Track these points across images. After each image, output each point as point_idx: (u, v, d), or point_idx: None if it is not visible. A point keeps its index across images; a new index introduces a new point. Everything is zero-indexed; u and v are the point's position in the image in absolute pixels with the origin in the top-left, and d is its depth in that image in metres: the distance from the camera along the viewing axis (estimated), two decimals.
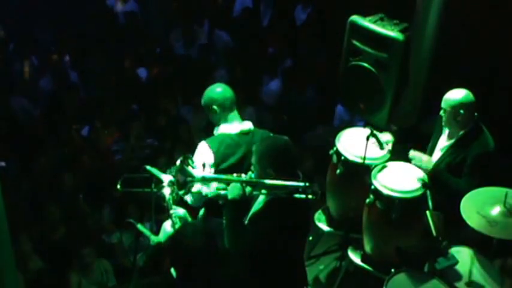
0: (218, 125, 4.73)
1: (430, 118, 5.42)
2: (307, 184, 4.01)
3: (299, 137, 7.18)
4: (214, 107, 4.68)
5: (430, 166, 5.10)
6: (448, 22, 5.87)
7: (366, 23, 5.77)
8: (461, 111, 4.99)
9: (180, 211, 4.11)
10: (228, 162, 4.54)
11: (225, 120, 4.70)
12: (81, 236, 6.34)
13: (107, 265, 6.25)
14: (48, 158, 7.12)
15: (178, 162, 4.14)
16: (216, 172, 4.46)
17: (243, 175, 4.12)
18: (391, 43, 5.59)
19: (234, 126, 4.69)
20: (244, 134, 4.67)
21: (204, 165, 4.47)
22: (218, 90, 4.73)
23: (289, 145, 4.09)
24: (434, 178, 5.04)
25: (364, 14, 5.84)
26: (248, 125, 4.73)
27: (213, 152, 4.54)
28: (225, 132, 4.67)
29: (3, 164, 7.12)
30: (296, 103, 7.98)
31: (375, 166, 5.19)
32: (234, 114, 4.73)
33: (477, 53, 6.51)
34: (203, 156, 4.54)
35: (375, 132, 5.22)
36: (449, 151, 5.14)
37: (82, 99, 8.25)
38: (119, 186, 4.70)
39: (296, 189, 4.02)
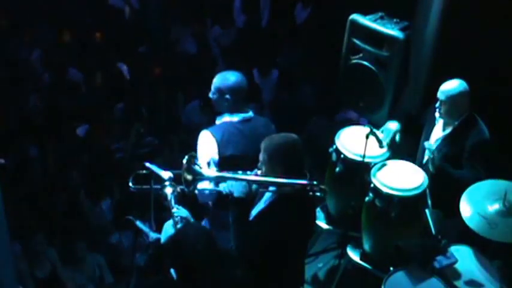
0: (223, 113, 4.64)
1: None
2: (314, 182, 4.01)
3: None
4: (227, 96, 4.57)
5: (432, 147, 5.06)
6: (449, 20, 5.87)
7: (366, 21, 5.77)
8: (463, 100, 5.00)
9: (182, 210, 4.10)
10: (232, 150, 4.48)
11: (231, 110, 4.60)
12: (81, 232, 6.36)
13: (100, 259, 6.25)
14: (50, 155, 7.13)
15: (184, 161, 4.13)
16: (220, 161, 4.42)
17: (248, 172, 4.12)
18: (391, 41, 5.59)
19: (236, 114, 4.60)
20: (246, 121, 4.62)
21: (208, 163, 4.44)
22: (234, 79, 4.59)
23: (298, 144, 4.07)
24: (439, 173, 5.03)
25: (365, 13, 5.84)
26: (249, 113, 4.66)
27: (217, 140, 4.48)
28: (227, 120, 4.61)
29: (2, 161, 7.11)
30: (294, 101, 8.00)
31: (374, 164, 5.19)
32: (241, 100, 4.62)
33: (478, 51, 6.50)
34: (206, 145, 4.50)
35: (374, 130, 5.23)
36: (446, 141, 5.13)
37: (82, 96, 8.24)
38: (130, 184, 4.67)
39: (303, 187, 4.02)
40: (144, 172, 4.59)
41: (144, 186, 4.61)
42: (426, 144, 5.12)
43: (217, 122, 4.67)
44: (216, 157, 4.49)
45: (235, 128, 4.56)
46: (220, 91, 4.59)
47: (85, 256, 6.15)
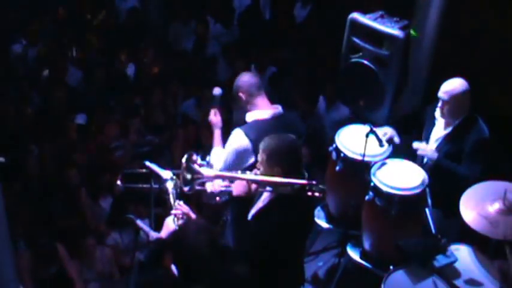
0: (249, 111, 4.65)
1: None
2: (313, 182, 4.01)
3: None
4: (240, 94, 4.64)
5: (435, 156, 5.08)
6: (449, 19, 5.87)
7: (366, 20, 5.76)
8: (465, 99, 5.00)
9: (184, 206, 4.11)
10: None
11: (256, 106, 4.64)
12: (83, 229, 6.36)
13: (110, 253, 6.26)
14: (48, 153, 7.13)
15: (183, 160, 4.14)
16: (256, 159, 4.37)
17: (247, 172, 4.12)
18: (391, 40, 5.58)
19: (265, 111, 4.62)
20: (277, 117, 4.63)
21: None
22: (243, 78, 4.70)
23: (296, 144, 4.09)
24: (436, 166, 5.03)
25: (365, 11, 5.84)
26: (279, 109, 4.68)
27: (251, 140, 4.47)
28: (259, 118, 4.61)
29: (2, 159, 7.09)
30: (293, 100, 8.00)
31: (375, 163, 5.19)
32: (262, 98, 4.67)
33: (478, 50, 6.52)
34: (238, 146, 4.50)
35: (374, 129, 5.23)
36: (446, 140, 5.13)
37: (80, 94, 8.23)
38: (119, 182, 4.67)
39: (302, 187, 4.02)
40: (134, 171, 4.60)
41: (143, 185, 4.62)
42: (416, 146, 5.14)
43: (248, 119, 4.65)
44: (252, 157, 4.45)
45: (269, 125, 4.52)
46: (235, 93, 4.69)
47: (94, 251, 6.15)
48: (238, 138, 4.52)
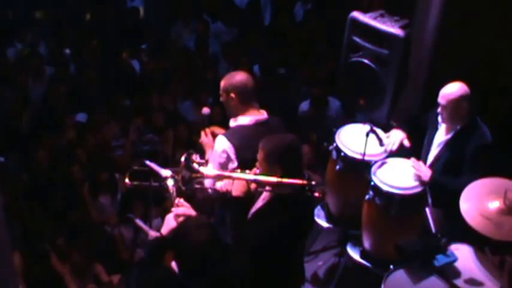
0: (235, 115, 4.58)
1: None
2: (313, 182, 4.01)
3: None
4: (232, 94, 4.54)
5: (427, 177, 4.97)
6: (449, 18, 5.87)
7: (366, 19, 5.76)
8: (464, 104, 4.97)
9: (184, 203, 4.11)
10: (253, 154, 4.27)
11: (243, 111, 4.56)
12: (84, 226, 6.36)
13: (100, 268, 6.25)
14: (48, 151, 7.13)
15: (182, 159, 4.13)
16: (240, 165, 4.35)
17: (247, 171, 4.12)
18: (391, 39, 5.58)
19: (249, 117, 4.55)
20: (261, 124, 4.55)
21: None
22: (238, 77, 4.57)
23: (296, 143, 4.09)
24: (434, 186, 5.01)
25: (365, 10, 5.83)
26: (264, 114, 4.61)
27: (234, 146, 4.44)
28: (242, 124, 4.55)
29: (2, 159, 7.11)
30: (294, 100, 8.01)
31: (375, 162, 5.19)
32: (253, 105, 4.58)
33: (478, 49, 6.50)
34: (223, 152, 4.46)
35: (374, 128, 5.22)
36: (448, 146, 5.10)
37: (81, 92, 8.23)
38: (127, 180, 4.66)
39: (302, 187, 4.02)
40: (142, 169, 4.60)
41: (142, 183, 4.62)
42: None
43: (232, 124, 4.60)
44: (235, 163, 4.45)
45: (252, 131, 4.47)
46: (225, 90, 4.58)
47: (84, 263, 6.14)
48: (221, 144, 4.49)
